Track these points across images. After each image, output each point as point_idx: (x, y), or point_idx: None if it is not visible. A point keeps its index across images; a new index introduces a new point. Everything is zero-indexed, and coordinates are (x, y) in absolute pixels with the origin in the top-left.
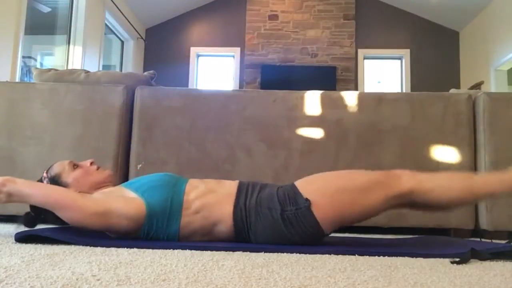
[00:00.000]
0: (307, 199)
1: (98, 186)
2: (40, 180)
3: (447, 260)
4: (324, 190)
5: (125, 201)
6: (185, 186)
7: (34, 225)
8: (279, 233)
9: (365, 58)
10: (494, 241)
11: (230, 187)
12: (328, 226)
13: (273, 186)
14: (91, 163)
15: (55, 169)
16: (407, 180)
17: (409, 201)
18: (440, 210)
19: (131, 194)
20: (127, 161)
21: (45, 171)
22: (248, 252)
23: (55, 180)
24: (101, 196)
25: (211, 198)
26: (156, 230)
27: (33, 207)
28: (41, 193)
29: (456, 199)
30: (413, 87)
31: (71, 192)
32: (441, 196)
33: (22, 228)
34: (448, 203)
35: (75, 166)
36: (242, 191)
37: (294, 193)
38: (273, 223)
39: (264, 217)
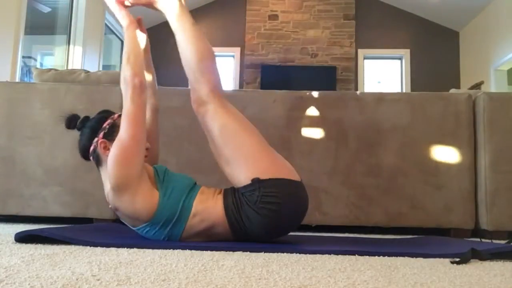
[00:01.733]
0: (253, 179)
1: None
2: (104, 121)
3: (447, 260)
4: (251, 162)
5: (147, 198)
6: (196, 194)
7: (73, 127)
8: (270, 221)
9: (365, 58)
10: (494, 241)
11: (219, 191)
12: (287, 174)
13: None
14: (147, 149)
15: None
16: (206, 92)
17: None
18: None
19: (155, 191)
20: None
21: (117, 114)
22: (248, 252)
23: (114, 129)
24: (145, 174)
25: (209, 202)
26: (159, 231)
27: (85, 120)
28: (139, 95)
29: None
30: (413, 87)
31: (144, 136)
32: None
33: (24, 228)
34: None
35: None
36: (228, 193)
37: (243, 187)
38: (259, 217)
39: (252, 216)
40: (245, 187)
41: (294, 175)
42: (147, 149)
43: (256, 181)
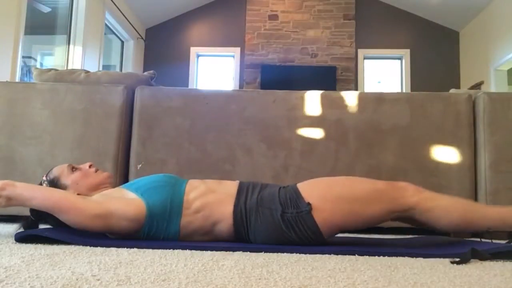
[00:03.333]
0: (308, 203)
1: (97, 187)
2: (40, 184)
3: (447, 260)
4: (327, 196)
5: (125, 203)
6: (185, 186)
7: (35, 228)
8: (279, 233)
9: (365, 58)
10: (494, 241)
11: (230, 187)
12: (327, 232)
13: (274, 186)
14: (90, 166)
15: (54, 172)
16: (411, 195)
17: (408, 216)
18: (436, 231)
19: (131, 195)
20: (127, 161)
21: (44, 175)
22: (248, 252)
23: (54, 183)
24: (101, 198)
25: (211, 197)
26: (156, 230)
27: (33, 211)
28: (41, 196)
29: (454, 224)
30: (413, 87)
31: (71, 194)
32: (441, 218)
33: (23, 229)
34: (445, 227)
35: (74, 169)
36: (243, 191)
37: (296, 195)
38: (273, 223)
39: (264, 217)
40: (297, 195)
41: (330, 236)
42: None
43: (308, 207)
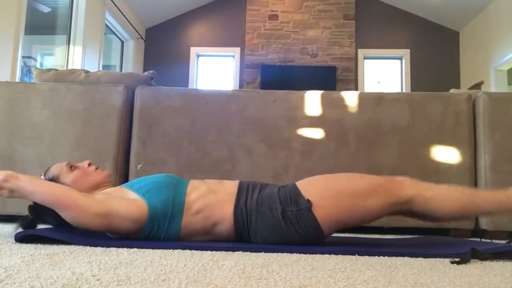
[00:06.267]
0: (308, 200)
1: (98, 186)
2: None
3: (447, 260)
4: (326, 192)
5: (127, 203)
6: (186, 186)
7: (33, 228)
8: (280, 232)
9: (365, 58)
10: (494, 241)
11: (230, 187)
12: (328, 228)
13: (274, 186)
14: (89, 164)
15: (53, 171)
16: (409, 188)
17: (408, 209)
18: (437, 221)
19: (132, 195)
20: (127, 161)
21: (42, 174)
22: (248, 252)
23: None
24: (103, 197)
25: (212, 198)
26: (157, 231)
27: (31, 210)
28: (44, 190)
29: (454, 212)
30: (413, 87)
31: (74, 191)
32: (440, 206)
33: (22, 229)
34: (445, 215)
35: (72, 167)
36: (243, 191)
37: (295, 193)
38: (273, 223)
39: (265, 217)
40: (297, 193)
41: (330, 233)
42: (109, 175)
43: (308, 204)
